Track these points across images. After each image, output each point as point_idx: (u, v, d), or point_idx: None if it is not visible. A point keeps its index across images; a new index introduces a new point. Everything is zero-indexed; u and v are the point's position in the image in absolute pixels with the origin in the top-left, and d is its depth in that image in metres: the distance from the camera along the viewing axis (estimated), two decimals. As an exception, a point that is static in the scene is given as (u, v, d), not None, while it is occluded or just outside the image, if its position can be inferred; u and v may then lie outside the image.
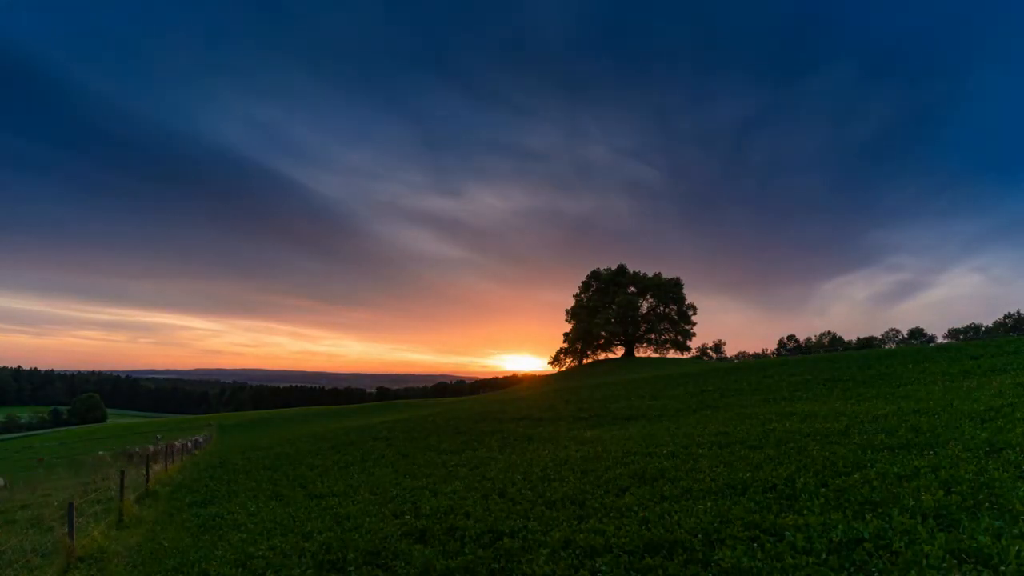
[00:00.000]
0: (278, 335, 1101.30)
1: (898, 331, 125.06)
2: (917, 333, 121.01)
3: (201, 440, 37.06)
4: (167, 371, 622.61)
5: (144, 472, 16.90)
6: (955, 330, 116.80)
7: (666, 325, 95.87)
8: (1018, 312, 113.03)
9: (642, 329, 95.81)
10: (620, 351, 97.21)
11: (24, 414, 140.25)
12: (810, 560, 5.10)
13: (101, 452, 53.07)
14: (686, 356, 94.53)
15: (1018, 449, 7.64)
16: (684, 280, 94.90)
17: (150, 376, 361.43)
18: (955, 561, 4.68)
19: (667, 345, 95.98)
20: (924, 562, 4.70)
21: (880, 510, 6.12)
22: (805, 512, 6.45)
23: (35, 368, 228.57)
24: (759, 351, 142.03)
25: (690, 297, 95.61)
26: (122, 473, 13.33)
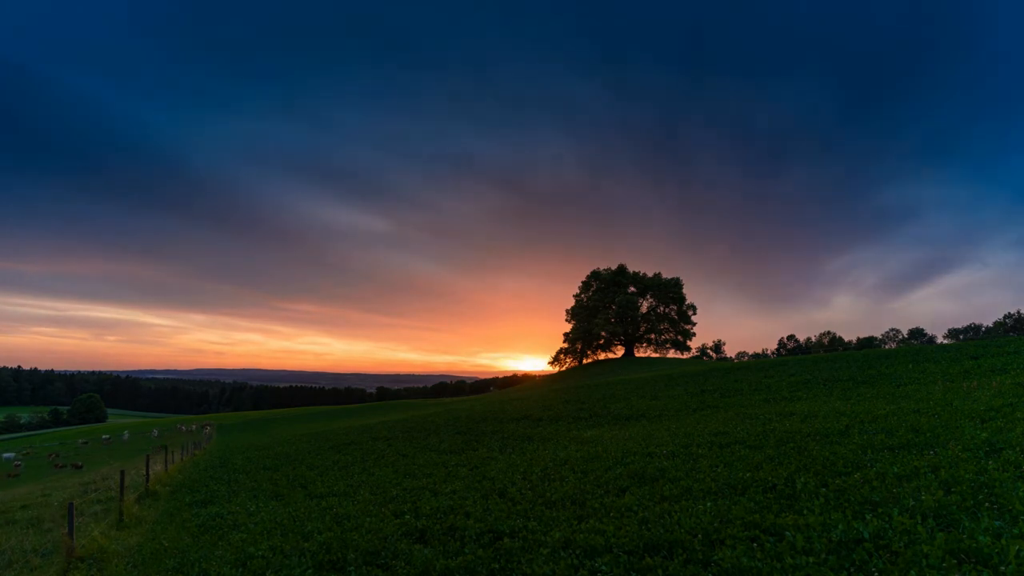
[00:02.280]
0: (242, 331, 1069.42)
1: (898, 331, 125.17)
2: (917, 333, 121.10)
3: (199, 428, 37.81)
4: (167, 371, 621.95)
5: (144, 472, 16.90)
6: (955, 330, 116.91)
7: (666, 325, 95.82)
8: (1018, 312, 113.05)
9: (642, 329, 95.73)
10: (620, 351, 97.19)
11: (24, 414, 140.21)
12: (810, 560, 5.10)
13: (126, 434, 53.52)
14: (686, 356, 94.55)
15: (1018, 449, 7.63)
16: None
17: (150, 376, 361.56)
18: (955, 561, 4.68)
19: (667, 345, 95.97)
20: (924, 562, 4.70)
21: (880, 510, 6.12)
22: (805, 512, 6.45)
23: (35, 368, 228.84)
24: (759, 351, 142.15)
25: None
26: (122, 473, 13.33)
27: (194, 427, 57.31)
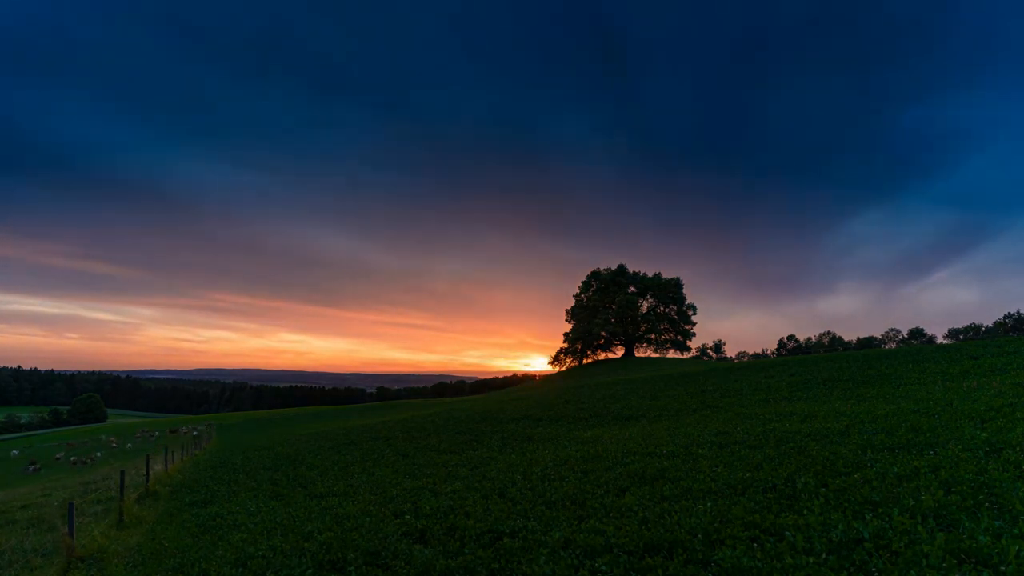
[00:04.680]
0: (204, 328, 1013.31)
1: (898, 331, 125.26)
2: (917, 333, 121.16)
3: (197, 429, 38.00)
4: (167, 371, 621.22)
5: (144, 472, 16.90)
6: (955, 330, 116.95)
7: (666, 325, 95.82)
8: (1018, 312, 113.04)
9: (642, 329, 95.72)
10: (620, 351, 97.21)
11: (24, 414, 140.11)
12: (810, 560, 5.10)
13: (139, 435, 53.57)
14: (686, 356, 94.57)
15: (1018, 449, 7.63)
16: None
17: (150, 376, 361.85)
18: (955, 561, 4.68)
19: (667, 345, 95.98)
20: (924, 562, 4.70)
21: (880, 510, 6.12)
22: (805, 512, 6.45)
23: (35, 368, 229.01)
24: (759, 351, 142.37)
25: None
26: (122, 473, 13.33)
27: (184, 430, 56.78)
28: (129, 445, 42.12)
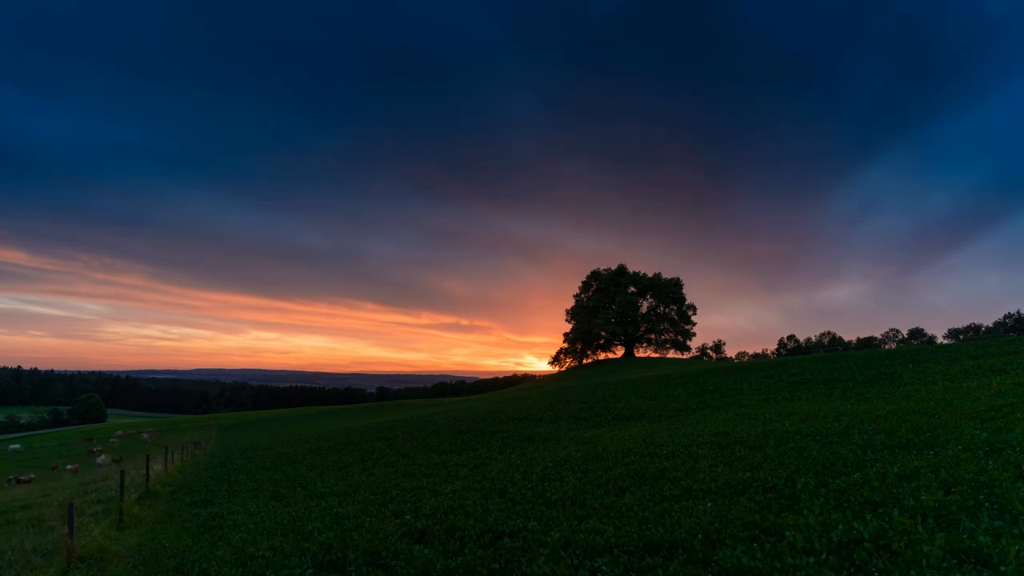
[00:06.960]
0: (164, 323, 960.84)
1: (898, 331, 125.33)
2: (917, 333, 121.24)
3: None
4: (167, 371, 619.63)
5: (144, 472, 16.90)
6: (955, 330, 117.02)
7: (666, 325, 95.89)
8: (1018, 312, 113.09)
9: (642, 329, 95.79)
10: (620, 351, 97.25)
11: (24, 414, 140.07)
12: (810, 560, 5.10)
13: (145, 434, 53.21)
14: (686, 356, 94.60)
15: (1018, 449, 7.63)
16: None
17: (150, 376, 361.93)
18: (955, 561, 4.68)
19: (667, 345, 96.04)
20: (924, 562, 4.70)
21: (880, 510, 6.12)
22: (805, 512, 6.44)
23: (35, 368, 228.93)
24: (759, 351, 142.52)
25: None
26: (122, 473, 13.33)
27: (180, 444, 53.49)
28: (101, 456, 41.78)
